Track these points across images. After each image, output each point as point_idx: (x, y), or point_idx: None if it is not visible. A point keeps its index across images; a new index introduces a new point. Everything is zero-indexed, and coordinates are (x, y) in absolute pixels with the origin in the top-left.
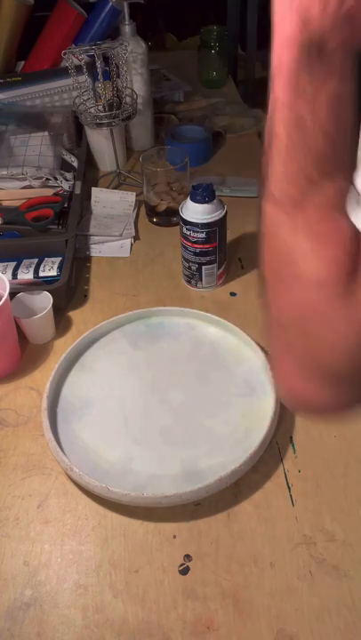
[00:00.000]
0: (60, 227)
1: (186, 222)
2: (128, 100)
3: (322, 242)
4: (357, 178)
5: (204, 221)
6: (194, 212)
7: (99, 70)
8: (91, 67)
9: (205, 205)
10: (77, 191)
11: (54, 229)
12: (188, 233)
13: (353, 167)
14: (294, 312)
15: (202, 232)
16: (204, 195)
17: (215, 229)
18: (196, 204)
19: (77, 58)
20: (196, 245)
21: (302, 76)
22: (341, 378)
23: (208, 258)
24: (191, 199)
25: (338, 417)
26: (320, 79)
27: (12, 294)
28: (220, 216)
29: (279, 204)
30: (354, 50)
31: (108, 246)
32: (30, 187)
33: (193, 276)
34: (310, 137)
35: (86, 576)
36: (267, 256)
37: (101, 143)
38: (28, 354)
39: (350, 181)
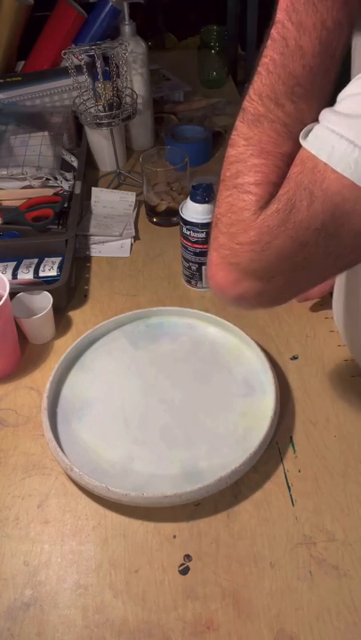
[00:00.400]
0: (60, 227)
1: (186, 222)
2: (128, 99)
3: (263, 160)
4: (324, 112)
5: (204, 221)
6: (194, 211)
7: (99, 70)
8: (91, 67)
9: (205, 205)
10: (77, 191)
11: (54, 229)
12: (188, 233)
13: (322, 101)
14: (224, 210)
15: (202, 232)
16: (204, 195)
17: None
18: (196, 204)
19: (77, 58)
20: (196, 245)
21: None
22: (246, 272)
23: None
24: (191, 199)
25: (254, 305)
26: (314, 2)
27: (12, 294)
28: None
29: (245, 118)
30: None
31: (108, 246)
32: (30, 187)
33: (193, 276)
34: (290, 58)
35: (86, 576)
36: (225, 162)
37: (101, 143)
38: (28, 354)
39: (315, 114)
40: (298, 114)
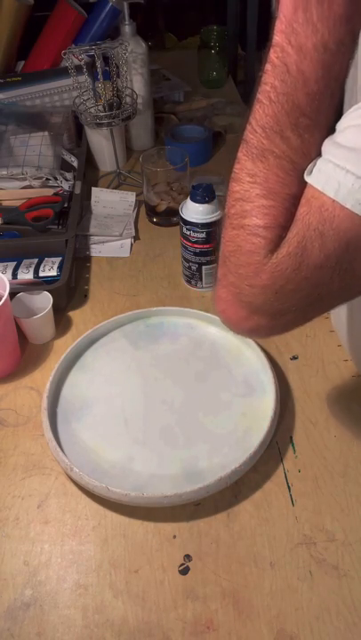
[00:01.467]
0: (60, 227)
1: (186, 222)
2: (128, 99)
3: (271, 202)
4: (326, 144)
5: (204, 221)
6: (194, 211)
7: (99, 70)
8: (91, 67)
9: (205, 205)
10: (77, 191)
11: (54, 229)
12: (188, 233)
13: (327, 129)
14: (231, 250)
15: (202, 232)
16: (204, 195)
17: (215, 229)
18: (196, 204)
19: (77, 58)
20: (196, 245)
21: (298, 15)
22: (258, 310)
23: (208, 258)
24: (191, 199)
25: (264, 336)
26: (313, 22)
27: (12, 294)
28: (221, 216)
29: (249, 151)
30: None
31: (108, 246)
32: (30, 187)
33: (193, 276)
34: (292, 86)
35: (86, 576)
36: (229, 197)
37: (101, 143)
38: (28, 354)
39: (321, 144)
40: (304, 147)
